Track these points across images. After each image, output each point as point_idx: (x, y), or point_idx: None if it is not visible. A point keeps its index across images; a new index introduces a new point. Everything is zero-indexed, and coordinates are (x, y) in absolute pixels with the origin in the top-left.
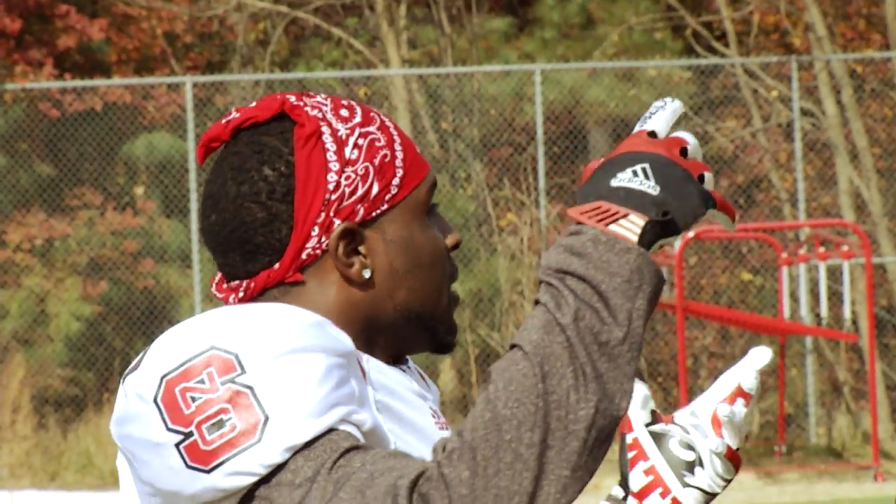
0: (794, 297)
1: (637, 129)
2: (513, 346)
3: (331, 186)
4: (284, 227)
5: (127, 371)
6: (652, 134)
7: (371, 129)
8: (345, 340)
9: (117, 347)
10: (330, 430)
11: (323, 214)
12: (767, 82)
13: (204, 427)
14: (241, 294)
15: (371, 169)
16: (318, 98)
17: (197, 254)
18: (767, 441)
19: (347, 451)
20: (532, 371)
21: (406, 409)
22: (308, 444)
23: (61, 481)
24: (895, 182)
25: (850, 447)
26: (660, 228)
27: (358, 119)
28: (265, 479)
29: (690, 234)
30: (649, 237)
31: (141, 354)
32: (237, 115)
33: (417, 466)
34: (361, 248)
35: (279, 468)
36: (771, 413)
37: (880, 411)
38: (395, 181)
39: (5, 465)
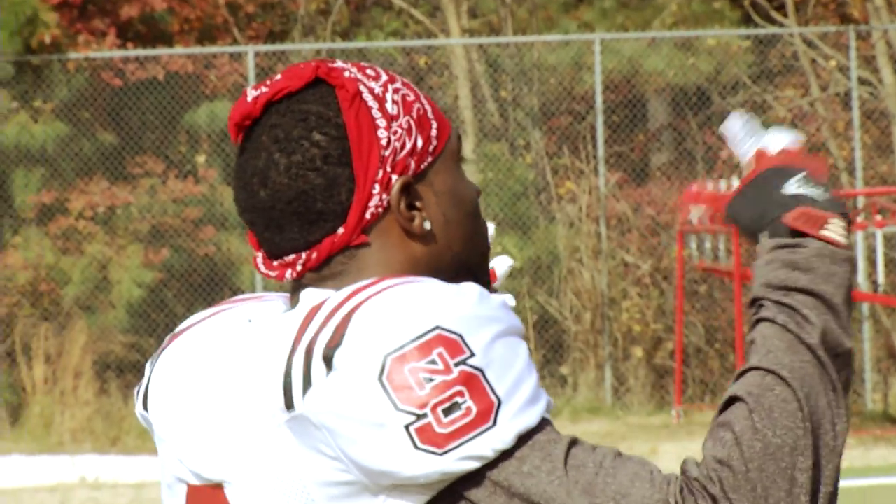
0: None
1: (748, 148)
2: (753, 369)
3: (383, 143)
4: (344, 189)
5: (310, 342)
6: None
7: (399, 86)
8: (519, 321)
9: (178, 314)
10: (545, 420)
11: (381, 171)
12: (825, 52)
13: (439, 409)
14: (299, 267)
15: (412, 123)
16: (339, 63)
17: None
18: None
19: (571, 444)
20: (793, 395)
21: None
22: (533, 431)
23: (122, 446)
24: None
25: None
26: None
27: (385, 77)
28: (490, 465)
29: None
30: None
31: (319, 324)
32: (264, 89)
33: (664, 483)
34: (418, 203)
35: (506, 454)
36: None
37: None
38: (433, 133)
39: (67, 429)
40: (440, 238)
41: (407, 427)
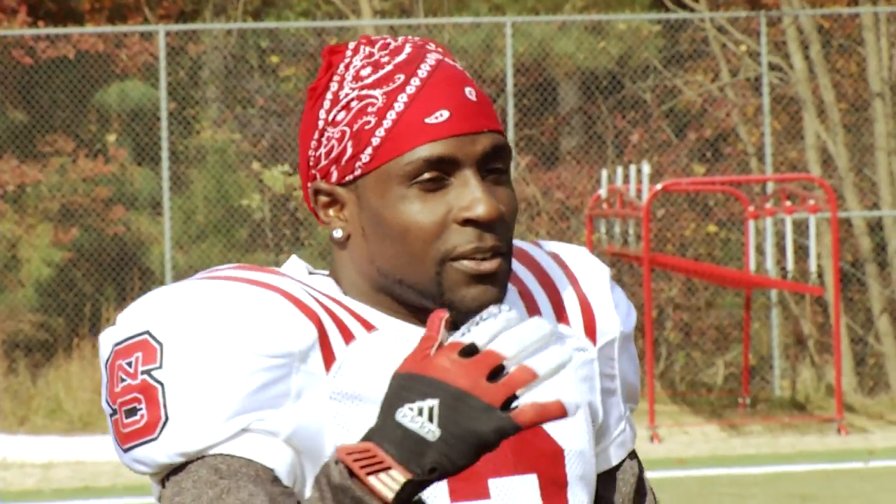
0: (760, 251)
1: (457, 335)
2: None
3: (313, 144)
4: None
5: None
6: (465, 351)
7: (375, 92)
8: (292, 336)
9: (87, 293)
10: (224, 441)
11: (310, 170)
12: (736, 37)
13: (123, 409)
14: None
15: (348, 132)
16: (375, 49)
17: (168, 201)
18: (731, 393)
19: (223, 492)
20: None
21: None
22: (200, 453)
23: (30, 426)
24: (861, 137)
25: (814, 400)
26: (420, 484)
27: (371, 80)
28: (173, 472)
29: (659, 186)
30: (409, 491)
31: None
32: None
33: None
34: (339, 210)
35: (175, 470)
36: (735, 365)
37: (844, 364)
38: (368, 150)
39: None
40: (359, 249)
41: (109, 416)
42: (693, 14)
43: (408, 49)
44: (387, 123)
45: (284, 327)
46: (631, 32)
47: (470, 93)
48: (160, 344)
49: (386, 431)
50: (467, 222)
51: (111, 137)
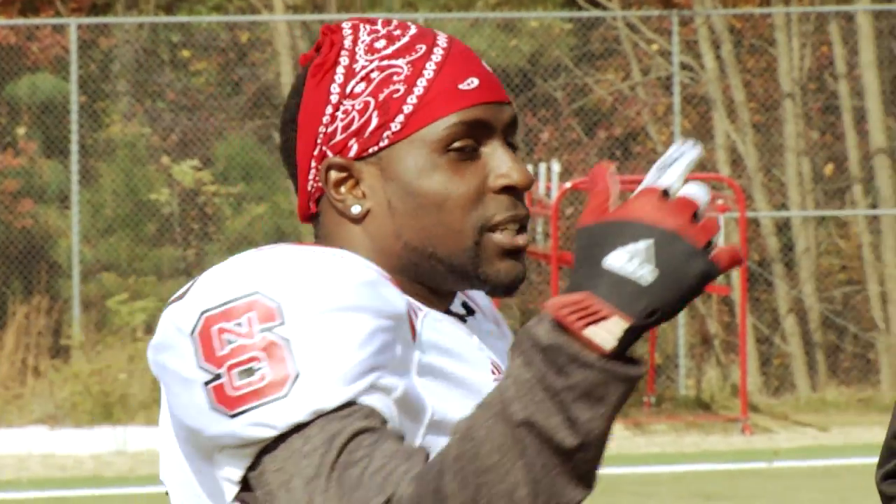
0: None
1: (650, 179)
2: (477, 407)
3: (325, 119)
4: (294, 155)
5: (171, 298)
6: (665, 193)
7: (398, 61)
8: (395, 302)
9: None
10: (353, 402)
11: (317, 147)
12: (648, 36)
13: (234, 371)
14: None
15: (372, 102)
16: (377, 25)
17: (76, 195)
18: (637, 392)
19: (361, 431)
20: (478, 457)
21: (459, 367)
22: (332, 410)
23: None
24: (771, 137)
25: (719, 399)
26: (641, 329)
27: (388, 51)
28: (282, 437)
29: (568, 185)
30: (628, 338)
31: (189, 284)
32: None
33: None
34: (359, 185)
35: (296, 429)
36: None
37: (749, 364)
38: (400, 117)
39: None
40: (382, 224)
41: (205, 384)
42: (605, 12)
43: (412, 27)
44: (418, 91)
45: (388, 290)
46: (542, 30)
47: (486, 65)
48: (277, 302)
49: (593, 281)
50: (504, 190)
51: (21, 130)
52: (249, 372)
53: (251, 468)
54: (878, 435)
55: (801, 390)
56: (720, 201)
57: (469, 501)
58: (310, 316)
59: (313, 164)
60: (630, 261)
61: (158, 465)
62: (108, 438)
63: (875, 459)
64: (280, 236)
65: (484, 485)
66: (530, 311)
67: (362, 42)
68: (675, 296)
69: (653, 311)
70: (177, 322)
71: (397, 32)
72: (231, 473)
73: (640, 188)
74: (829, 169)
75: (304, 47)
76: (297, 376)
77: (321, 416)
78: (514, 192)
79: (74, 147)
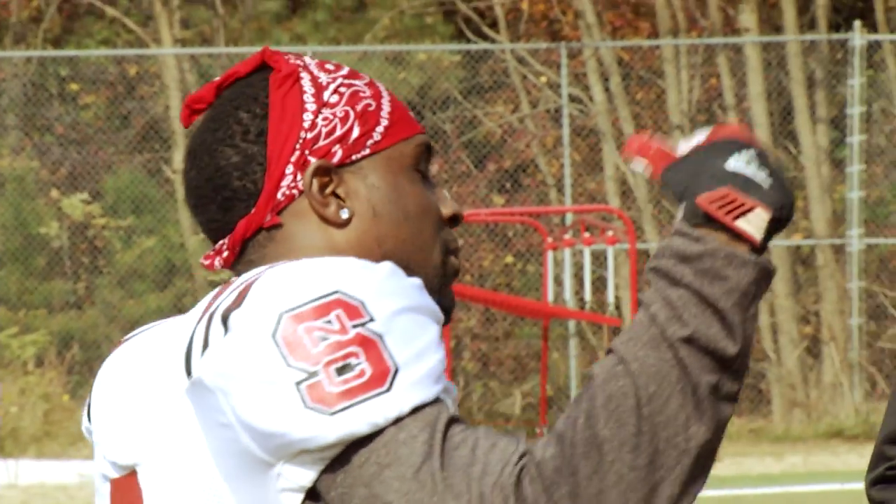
0: (559, 281)
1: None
2: (612, 351)
3: (306, 125)
4: (259, 168)
5: (214, 308)
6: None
7: (356, 82)
8: (437, 307)
9: None
10: (439, 398)
11: (297, 153)
12: (537, 68)
13: (331, 368)
14: (225, 254)
15: (352, 113)
16: (307, 57)
17: None
18: (529, 423)
19: (453, 420)
20: (634, 391)
21: None
22: (427, 405)
23: None
24: None
25: None
26: (779, 223)
27: (343, 72)
28: (376, 433)
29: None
30: (770, 232)
31: (227, 293)
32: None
33: (514, 457)
34: (340, 190)
35: (392, 423)
36: (533, 395)
37: None
38: (379, 129)
39: None
40: (366, 230)
41: (298, 384)
42: (494, 45)
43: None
44: (385, 107)
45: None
46: (431, 63)
47: None
48: (359, 300)
49: (724, 181)
50: (453, 219)
51: None
52: (347, 368)
53: (325, 471)
54: (770, 465)
55: None
56: (610, 233)
57: (630, 438)
58: (393, 313)
59: (290, 169)
60: (749, 164)
61: (49, 499)
62: (0, 472)
63: (766, 490)
64: (170, 269)
65: (645, 418)
66: None
67: (311, 63)
68: (787, 199)
69: (779, 206)
70: (250, 326)
71: (333, 64)
72: (302, 479)
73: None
74: None
75: (192, 80)
76: (396, 371)
77: (417, 409)
78: (455, 223)
79: None
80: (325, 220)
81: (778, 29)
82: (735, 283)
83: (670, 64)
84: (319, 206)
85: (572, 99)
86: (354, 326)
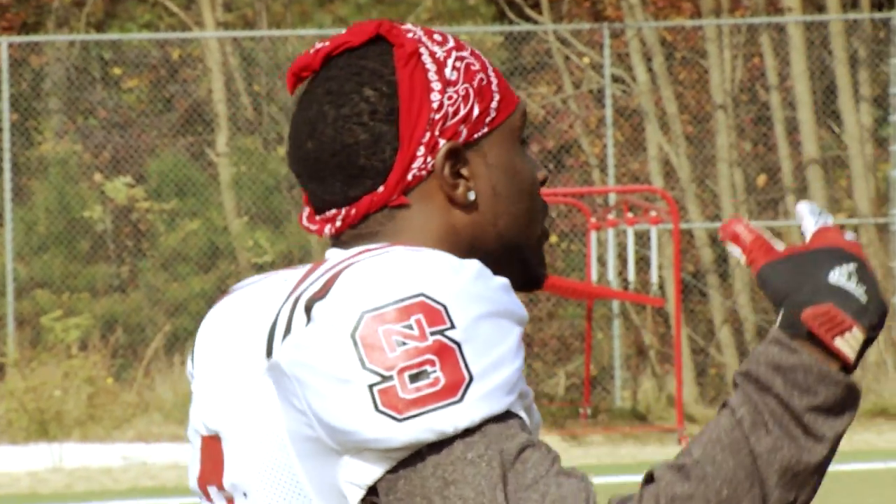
0: (602, 262)
1: (817, 220)
2: (689, 451)
3: (434, 105)
4: (389, 147)
5: (300, 292)
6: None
7: (465, 53)
8: (522, 307)
9: None
10: (510, 410)
11: (428, 134)
12: (579, 49)
13: (406, 374)
14: (338, 223)
15: (471, 90)
16: (409, 26)
17: (10, 213)
18: (573, 403)
19: (526, 447)
20: (710, 496)
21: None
22: (492, 419)
23: None
24: (703, 149)
25: (655, 410)
26: (871, 343)
27: (452, 44)
28: (444, 444)
29: None
30: (863, 351)
31: (315, 277)
32: (327, 43)
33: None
34: (464, 171)
35: (462, 434)
36: (577, 375)
37: (685, 375)
38: (494, 104)
39: None
40: (485, 211)
41: (371, 387)
42: (536, 26)
43: None
44: (493, 79)
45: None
46: (474, 44)
47: None
48: (442, 304)
49: (824, 296)
50: (544, 181)
51: None
52: (423, 375)
53: (389, 471)
54: None
55: None
56: (653, 213)
57: None
58: (474, 319)
59: (421, 151)
60: (849, 279)
61: (93, 482)
62: (44, 455)
63: None
64: (214, 251)
65: None
66: None
67: (423, 35)
68: (882, 316)
69: (873, 326)
70: (331, 321)
71: (436, 31)
72: (365, 476)
73: (812, 228)
74: (761, 179)
75: (234, 64)
76: (470, 381)
77: (487, 422)
78: (543, 184)
79: (7, 165)
80: (453, 201)
81: (821, 8)
82: (823, 400)
83: (713, 44)
84: (450, 188)
85: (615, 79)
86: (433, 333)
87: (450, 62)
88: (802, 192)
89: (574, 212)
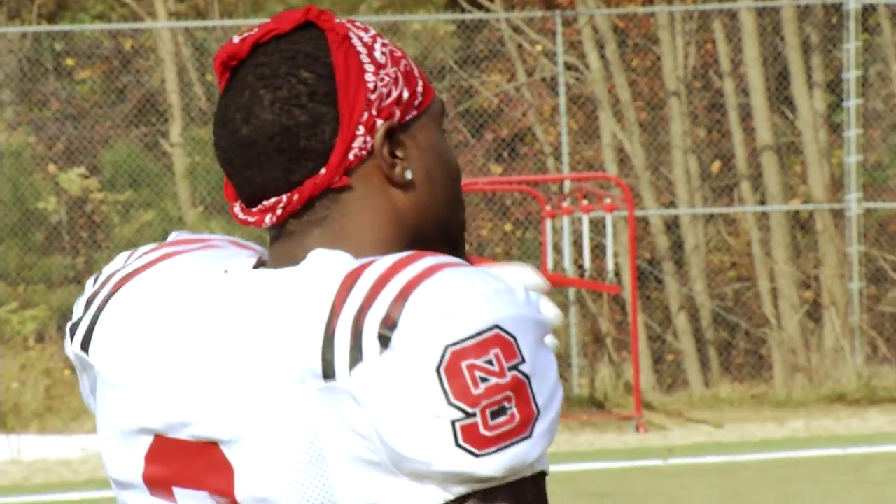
0: (558, 250)
1: None
2: None
3: (370, 86)
4: (328, 128)
5: (356, 313)
6: None
7: (386, 41)
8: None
9: None
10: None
11: (366, 114)
12: (532, 37)
13: (489, 411)
14: (279, 211)
15: (399, 74)
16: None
17: None
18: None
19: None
20: None
21: None
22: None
23: None
24: (657, 136)
25: (613, 398)
26: None
27: (372, 32)
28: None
29: None
30: None
31: (366, 293)
32: (255, 30)
33: None
34: (399, 153)
35: (519, 478)
36: None
37: (642, 362)
38: (419, 89)
39: None
40: (422, 193)
41: (454, 422)
42: (489, 14)
43: None
44: (415, 67)
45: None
46: (427, 33)
47: None
48: (513, 337)
49: None
50: None
51: None
52: (502, 412)
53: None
54: (772, 431)
55: (695, 387)
56: (608, 200)
57: None
58: (534, 348)
59: (361, 131)
60: None
61: (52, 474)
62: (2, 447)
63: (768, 455)
64: None
65: None
66: None
67: (347, 22)
68: None
69: None
70: (415, 352)
71: (358, 22)
72: (420, 501)
73: None
74: (716, 166)
75: (187, 54)
76: (538, 416)
77: (540, 474)
78: None
79: None
80: (392, 181)
81: None
82: None
83: (665, 31)
84: (388, 167)
85: (568, 67)
86: (510, 369)
87: (377, 47)
88: (757, 179)
89: (529, 200)
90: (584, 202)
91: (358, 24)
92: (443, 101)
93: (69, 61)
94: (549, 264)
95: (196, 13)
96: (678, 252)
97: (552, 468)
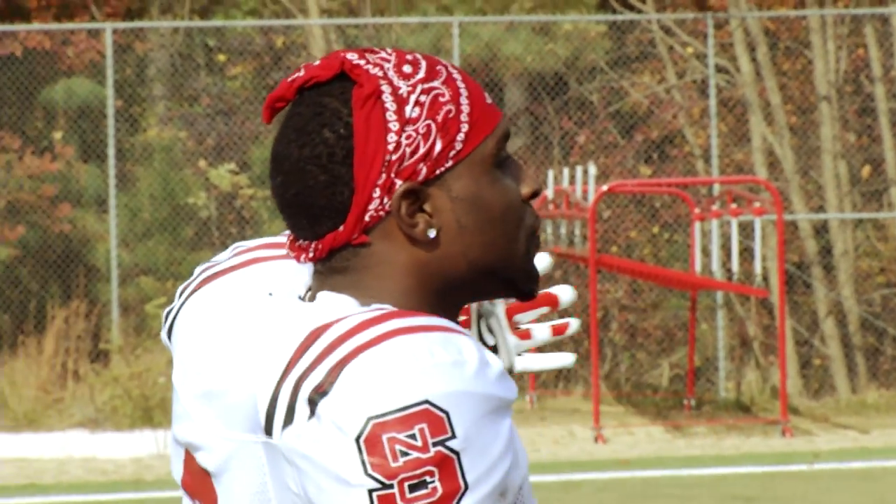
0: (706, 253)
1: None
2: None
3: (390, 147)
4: (346, 189)
5: (299, 375)
6: None
7: (435, 83)
8: (514, 386)
9: (33, 290)
10: None
11: (384, 175)
12: (683, 38)
13: (407, 484)
14: (310, 254)
15: (433, 126)
16: (382, 54)
17: (114, 199)
18: (677, 394)
19: None
20: None
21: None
22: None
23: None
24: (807, 139)
25: (759, 402)
26: None
27: (421, 75)
28: None
29: (605, 187)
30: None
31: (313, 358)
32: (302, 72)
33: None
34: (426, 207)
35: None
36: (681, 367)
37: (789, 367)
38: (460, 136)
39: None
40: (451, 245)
41: (370, 491)
42: (640, 15)
43: (411, 52)
44: (465, 108)
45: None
46: (578, 34)
47: None
48: (445, 412)
49: None
50: (532, 196)
51: (57, 135)
52: (422, 485)
53: None
54: None
55: (841, 392)
56: (757, 204)
57: None
58: (474, 424)
59: (377, 192)
60: None
61: None
62: (149, 442)
63: None
64: None
65: None
66: (568, 312)
67: (390, 68)
68: None
69: None
70: (337, 422)
71: (409, 58)
72: None
73: None
74: (866, 171)
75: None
76: (464, 491)
77: None
78: (534, 197)
79: (111, 151)
80: (413, 239)
81: None
82: None
83: (817, 34)
84: (407, 227)
85: (719, 69)
86: (435, 444)
87: (412, 98)
88: None
89: (678, 202)
90: (733, 205)
91: (407, 66)
92: (504, 134)
93: (221, 57)
94: (698, 267)
95: (348, 10)
96: (826, 257)
97: (697, 471)
